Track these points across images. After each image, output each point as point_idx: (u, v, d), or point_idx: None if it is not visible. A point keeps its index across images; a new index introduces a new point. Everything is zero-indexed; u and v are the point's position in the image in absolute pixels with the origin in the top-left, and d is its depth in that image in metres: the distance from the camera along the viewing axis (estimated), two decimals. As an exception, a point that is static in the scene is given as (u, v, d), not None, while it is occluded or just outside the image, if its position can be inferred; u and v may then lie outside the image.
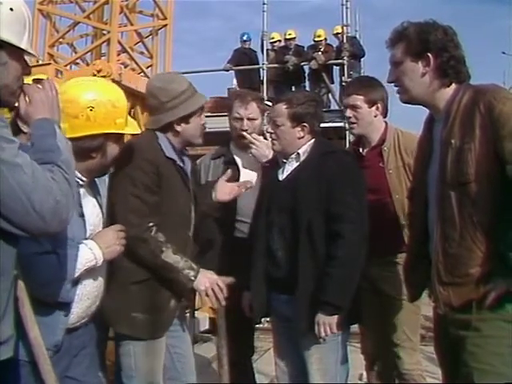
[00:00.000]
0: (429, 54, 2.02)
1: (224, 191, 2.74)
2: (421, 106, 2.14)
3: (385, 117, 3.00)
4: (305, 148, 2.59)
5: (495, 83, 2.05)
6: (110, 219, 2.27)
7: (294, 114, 2.55)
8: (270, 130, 2.66)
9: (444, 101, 2.04)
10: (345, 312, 2.41)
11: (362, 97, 2.90)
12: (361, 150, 3.02)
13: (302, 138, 2.58)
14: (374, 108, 2.92)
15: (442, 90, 2.05)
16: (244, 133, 3.05)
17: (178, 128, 2.49)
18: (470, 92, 1.98)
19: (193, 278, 2.39)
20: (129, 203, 2.35)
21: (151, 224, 2.36)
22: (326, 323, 2.38)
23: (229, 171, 2.87)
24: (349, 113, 2.94)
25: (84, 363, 2.13)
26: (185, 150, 2.63)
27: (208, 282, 2.41)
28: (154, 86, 2.54)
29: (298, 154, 2.59)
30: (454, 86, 2.04)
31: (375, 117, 2.93)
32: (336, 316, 2.39)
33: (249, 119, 3.08)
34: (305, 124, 2.56)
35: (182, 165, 2.53)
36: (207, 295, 2.44)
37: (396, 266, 2.81)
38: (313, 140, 2.61)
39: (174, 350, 2.55)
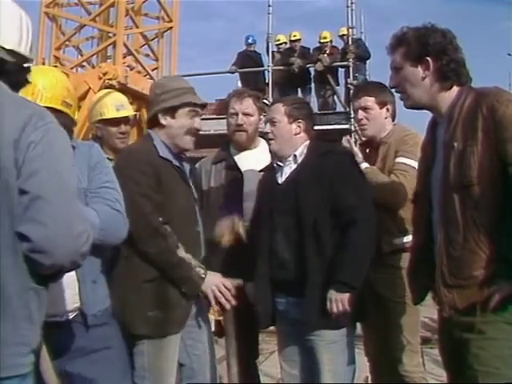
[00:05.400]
0: (428, 58, 2.02)
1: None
2: (425, 110, 2.14)
3: (393, 120, 3.02)
4: (301, 149, 2.63)
5: (499, 85, 2.04)
6: None
7: (290, 111, 2.64)
8: (267, 129, 2.69)
9: (446, 104, 2.04)
10: (356, 292, 2.41)
11: (373, 98, 2.94)
12: (368, 151, 3.03)
13: (298, 134, 2.64)
14: (384, 109, 2.95)
15: (444, 93, 2.05)
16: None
17: (163, 121, 2.50)
18: (473, 95, 1.98)
19: (203, 276, 2.39)
20: (136, 203, 2.30)
21: (164, 221, 2.36)
22: (338, 299, 2.38)
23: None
24: (360, 114, 2.96)
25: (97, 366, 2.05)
26: (182, 155, 2.61)
27: (215, 283, 2.41)
28: (156, 83, 2.66)
29: (295, 155, 2.62)
30: (455, 88, 2.04)
31: (385, 118, 2.96)
32: (348, 294, 2.39)
33: (244, 114, 3.01)
34: (300, 120, 2.63)
35: (178, 164, 2.52)
36: (214, 297, 2.43)
37: (391, 268, 2.82)
38: (308, 142, 2.66)
39: (192, 351, 2.53)
